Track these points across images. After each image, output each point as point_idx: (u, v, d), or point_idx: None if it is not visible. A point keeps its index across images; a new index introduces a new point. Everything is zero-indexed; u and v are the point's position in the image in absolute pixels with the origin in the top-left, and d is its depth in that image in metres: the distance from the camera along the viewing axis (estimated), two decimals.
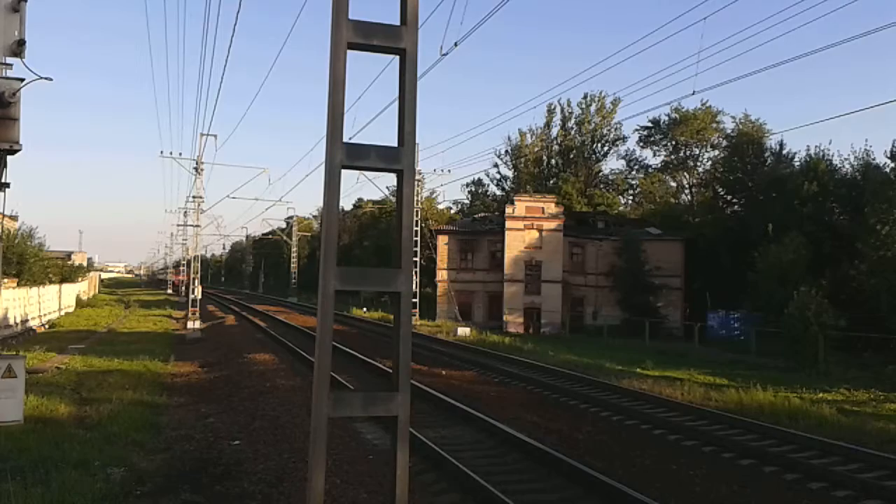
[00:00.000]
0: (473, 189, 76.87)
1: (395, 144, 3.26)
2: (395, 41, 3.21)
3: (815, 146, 43.99)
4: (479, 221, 52.20)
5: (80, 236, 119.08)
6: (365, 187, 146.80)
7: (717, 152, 54.90)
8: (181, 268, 48.26)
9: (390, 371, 4.78)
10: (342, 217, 68.92)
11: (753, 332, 30.47)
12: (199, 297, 39.36)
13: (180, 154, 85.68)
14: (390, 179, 55.37)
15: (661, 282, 43.82)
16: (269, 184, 64.54)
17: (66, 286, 44.33)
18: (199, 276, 41.45)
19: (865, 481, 10.22)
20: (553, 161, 69.21)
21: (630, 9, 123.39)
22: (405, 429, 3.19)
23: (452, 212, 71.59)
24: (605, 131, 66.23)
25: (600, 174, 68.02)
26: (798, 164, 41.92)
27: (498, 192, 73.00)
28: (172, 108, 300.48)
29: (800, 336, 25.48)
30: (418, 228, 44.08)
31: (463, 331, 35.88)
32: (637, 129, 61.36)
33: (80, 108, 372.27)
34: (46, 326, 34.55)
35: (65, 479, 8.48)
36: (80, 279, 55.19)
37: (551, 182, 64.75)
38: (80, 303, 51.17)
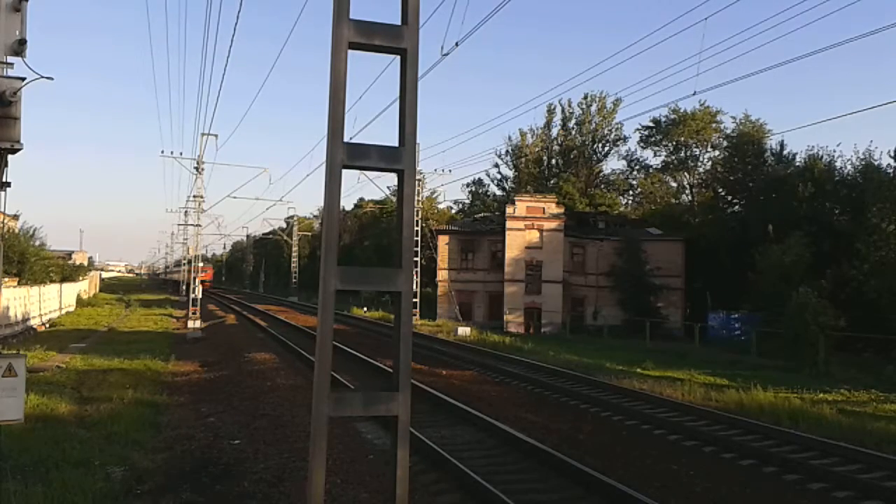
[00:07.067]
0: (474, 189, 76.98)
1: (396, 144, 3.27)
2: (396, 41, 3.21)
3: (815, 147, 44.03)
4: (480, 221, 52.20)
5: (80, 235, 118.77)
6: (366, 187, 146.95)
7: (717, 153, 54.91)
8: (199, 265, 43.03)
9: (391, 371, 4.78)
10: (343, 217, 68.94)
11: (754, 332, 30.44)
12: (200, 296, 39.39)
13: (181, 154, 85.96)
14: (391, 179, 55.38)
15: (661, 282, 43.82)
16: (270, 183, 64.44)
17: (66, 285, 44.32)
18: (198, 274, 41.46)
19: (866, 482, 10.22)
20: (553, 161, 69.20)
21: (630, 9, 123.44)
22: (405, 428, 3.20)
23: (453, 212, 71.62)
24: (605, 131, 66.24)
25: (601, 174, 68.03)
26: (799, 164, 41.95)
27: (498, 192, 73.08)
28: (173, 107, 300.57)
29: (800, 336, 25.47)
30: (419, 228, 44.08)
31: (463, 331, 35.88)
32: (638, 130, 61.41)
33: (81, 107, 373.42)
34: (47, 325, 34.56)
35: (65, 478, 8.49)
36: (80, 278, 55.20)
37: (552, 182, 64.75)
38: (80, 302, 51.16)
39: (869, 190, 31.83)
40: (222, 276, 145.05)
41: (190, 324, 35.43)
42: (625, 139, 65.87)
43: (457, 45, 18.53)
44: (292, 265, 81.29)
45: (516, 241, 43.61)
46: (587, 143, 66.93)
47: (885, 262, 27.97)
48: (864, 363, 24.96)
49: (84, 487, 8.25)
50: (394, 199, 50.11)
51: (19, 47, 5.80)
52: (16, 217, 39.13)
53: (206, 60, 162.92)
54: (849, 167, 38.77)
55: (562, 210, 45.07)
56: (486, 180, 75.80)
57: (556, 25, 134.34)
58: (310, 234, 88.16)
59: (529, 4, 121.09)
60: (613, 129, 65.99)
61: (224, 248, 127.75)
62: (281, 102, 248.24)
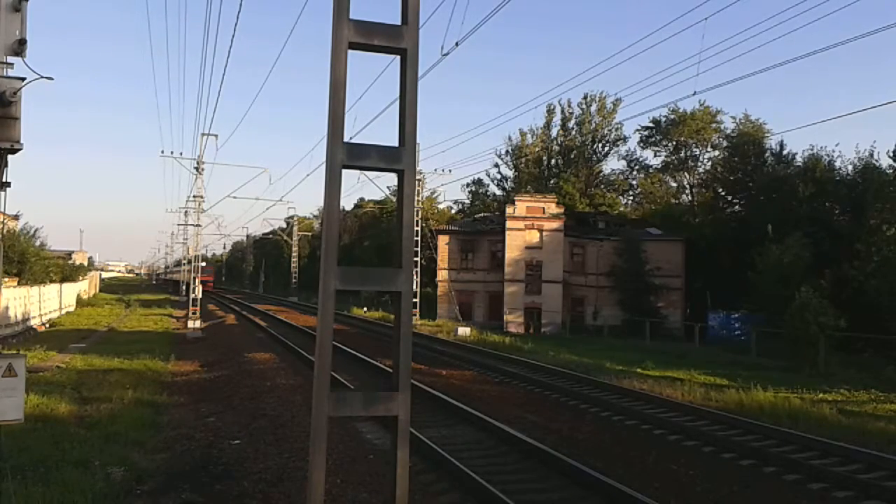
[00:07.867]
0: (474, 189, 76.90)
1: (396, 144, 3.27)
2: (396, 41, 3.22)
3: (815, 147, 44.05)
4: (480, 221, 52.18)
5: (80, 235, 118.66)
6: (366, 187, 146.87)
7: (717, 153, 54.93)
8: (200, 265, 42.11)
9: (390, 371, 4.78)
10: (343, 217, 68.84)
11: (754, 332, 30.44)
12: (200, 296, 39.40)
13: (181, 154, 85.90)
14: (391, 179, 55.32)
15: (661, 282, 43.81)
16: (270, 183, 64.50)
17: (66, 285, 44.32)
18: (199, 275, 41.46)
19: (865, 482, 10.21)
20: (553, 161, 69.18)
21: (630, 9, 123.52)
22: (405, 428, 3.20)
23: (453, 212, 71.59)
24: (605, 131, 66.22)
25: (601, 174, 67.99)
26: (799, 164, 41.98)
27: (498, 192, 73.03)
28: (173, 107, 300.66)
29: (800, 336, 25.46)
30: (419, 228, 44.07)
31: (463, 331, 35.87)
32: (638, 130, 61.39)
33: (81, 107, 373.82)
34: (47, 325, 34.56)
35: (65, 478, 8.49)
36: (80, 278, 55.19)
37: (552, 182, 64.72)
38: (80, 302, 51.17)
39: (869, 190, 31.82)
40: (222, 277, 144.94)
41: (190, 324, 35.45)
42: (625, 139, 65.89)
43: (457, 45, 18.53)
44: (292, 265, 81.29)
45: (516, 241, 43.61)
46: (587, 143, 66.89)
47: (885, 263, 27.95)
48: (864, 363, 24.95)
49: (84, 487, 8.25)
50: (394, 199, 50.06)
51: (19, 47, 5.79)
52: (16, 217, 39.13)
53: (206, 60, 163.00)
54: (849, 167, 38.85)
55: (562, 210, 45.06)
56: (486, 180, 75.84)
57: (556, 25, 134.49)
58: (310, 234, 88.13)
59: (529, 4, 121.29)
60: (613, 129, 65.98)
61: (224, 248, 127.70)
62: (281, 102, 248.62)
